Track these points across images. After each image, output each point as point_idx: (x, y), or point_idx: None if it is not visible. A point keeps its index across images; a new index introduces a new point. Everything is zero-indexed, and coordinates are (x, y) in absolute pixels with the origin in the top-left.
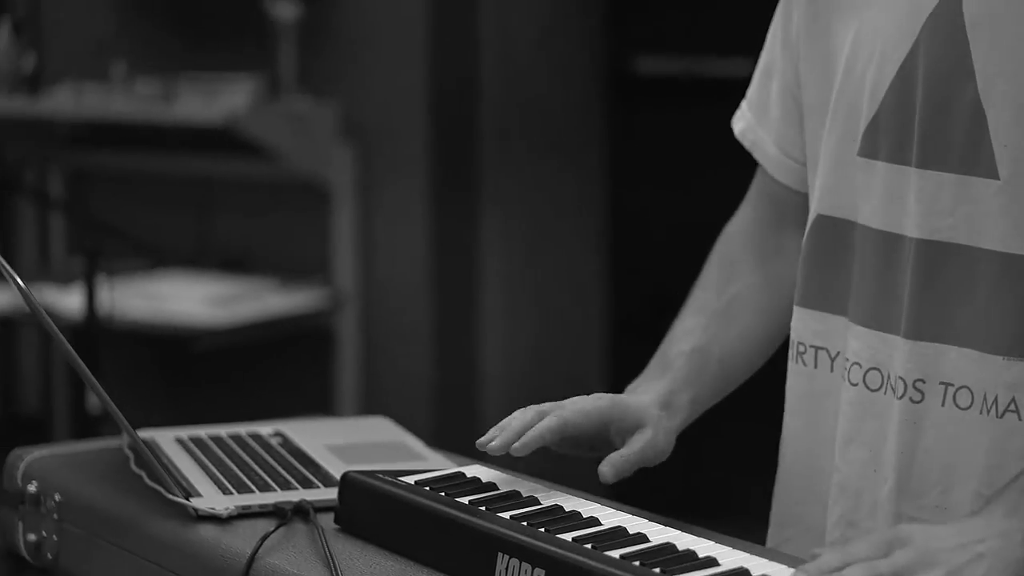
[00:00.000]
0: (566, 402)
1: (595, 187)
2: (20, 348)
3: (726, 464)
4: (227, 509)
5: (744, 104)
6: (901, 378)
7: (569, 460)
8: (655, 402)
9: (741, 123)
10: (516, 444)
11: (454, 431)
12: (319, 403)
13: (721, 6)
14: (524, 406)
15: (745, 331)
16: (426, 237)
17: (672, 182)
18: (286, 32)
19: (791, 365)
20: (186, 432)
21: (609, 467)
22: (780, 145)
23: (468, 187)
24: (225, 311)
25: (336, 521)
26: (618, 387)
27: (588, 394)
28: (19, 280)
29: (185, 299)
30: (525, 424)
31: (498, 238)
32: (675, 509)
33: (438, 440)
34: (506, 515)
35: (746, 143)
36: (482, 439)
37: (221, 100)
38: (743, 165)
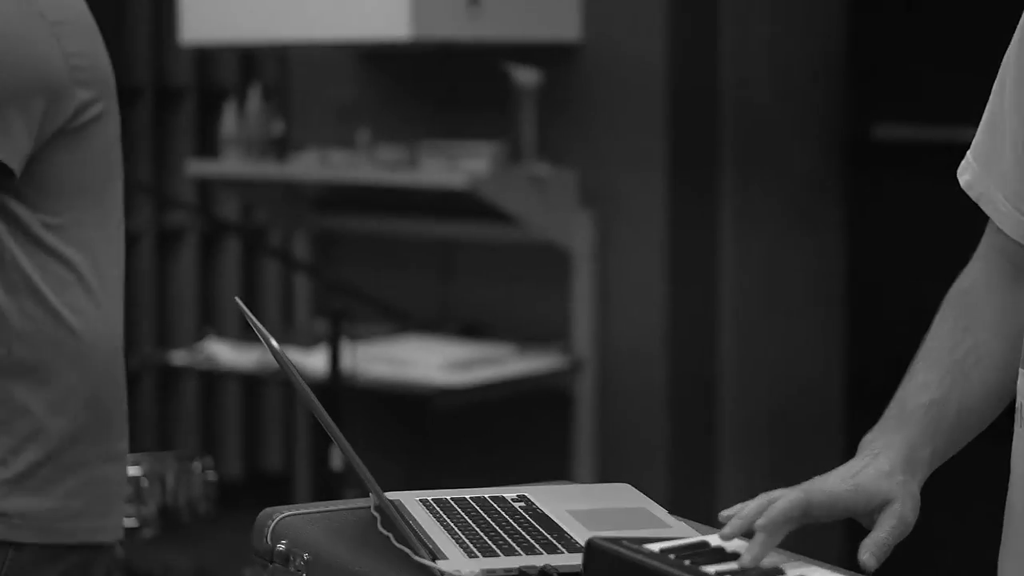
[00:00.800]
0: (810, 486)
1: (834, 250)
2: (264, 407)
3: (948, 536)
4: (472, 572)
5: (969, 155)
6: None
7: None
8: (897, 464)
9: (967, 174)
10: (760, 521)
11: (691, 497)
12: (556, 465)
13: (963, 71)
14: (761, 471)
15: (981, 386)
16: (663, 301)
17: (911, 248)
18: (527, 98)
19: (1017, 430)
20: (431, 494)
21: (869, 555)
22: (1011, 199)
23: (706, 252)
24: (464, 375)
25: None
26: (854, 452)
27: (826, 465)
28: (270, 338)
29: (425, 364)
30: (764, 505)
31: (736, 302)
32: None
33: (675, 506)
34: None
35: (973, 195)
36: (725, 512)
37: (463, 165)
38: (982, 230)
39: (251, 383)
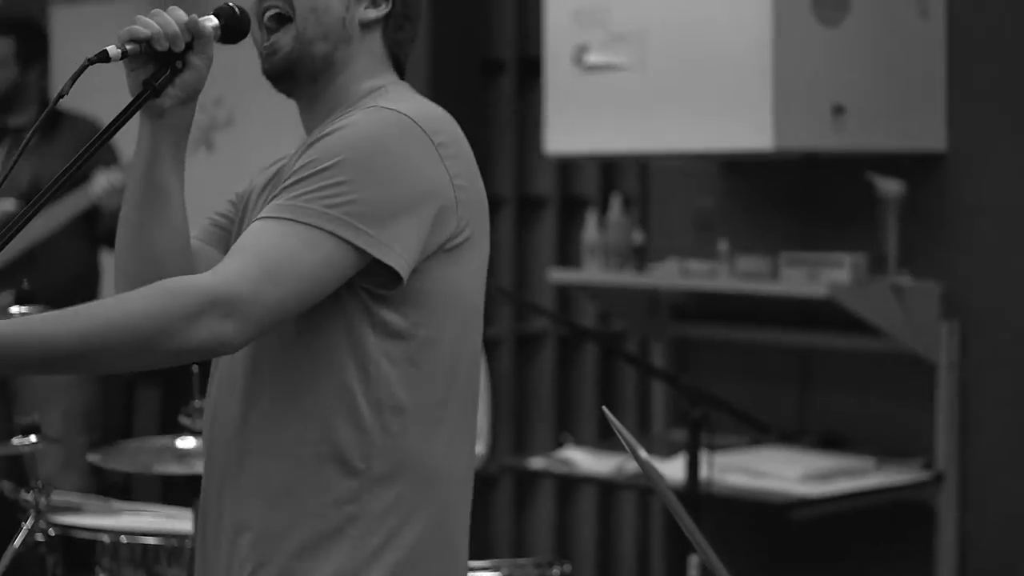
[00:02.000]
0: None
1: None
2: (620, 513)
3: None
4: None
5: None
6: None
7: None
8: None
9: None
10: None
11: None
12: None
13: None
14: None
15: None
16: None
17: None
18: (890, 208)
19: None
20: None
21: None
22: None
23: None
24: (823, 487)
25: None
26: None
27: None
28: (638, 448)
29: (783, 475)
30: None
31: None
32: None
33: None
34: None
35: None
36: None
37: (824, 275)
38: None
39: (607, 489)
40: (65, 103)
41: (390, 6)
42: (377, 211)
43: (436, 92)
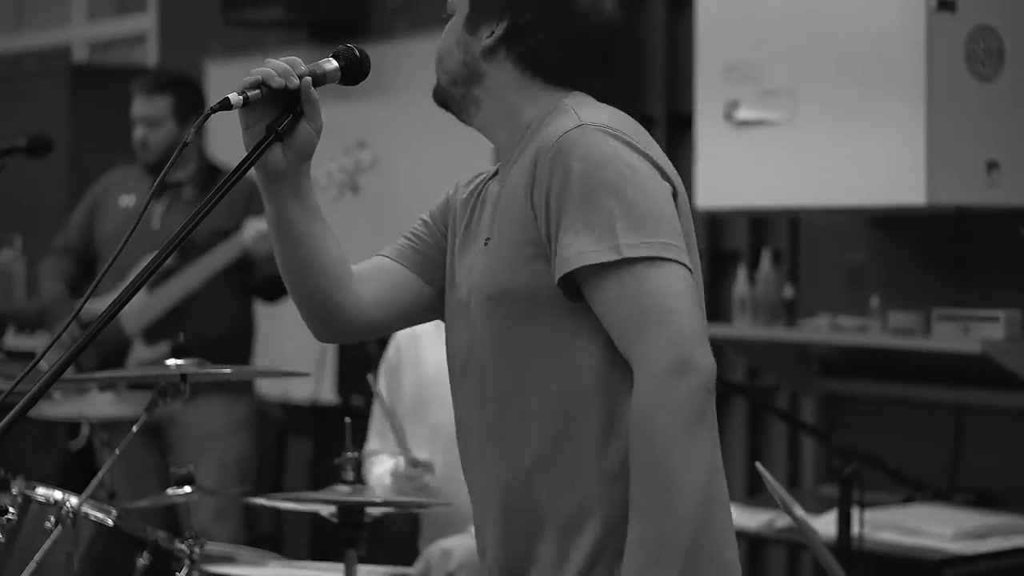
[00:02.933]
0: None
1: None
2: (767, 569)
3: None
4: None
5: None
6: None
7: None
8: None
9: None
10: None
11: None
12: None
13: None
14: None
15: None
16: None
17: None
18: None
19: None
20: None
21: None
22: None
23: None
24: (977, 545)
25: None
26: None
27: None
28: (793, 505)
29: (936, 533)
30: None
31: None
32: None
33: None
34: None
35: None
36: None
37: (977, 331)
38: None
39: (756, 543)
40: (222, 159)
41: (506, 23)
42: (663, 223)
43: None
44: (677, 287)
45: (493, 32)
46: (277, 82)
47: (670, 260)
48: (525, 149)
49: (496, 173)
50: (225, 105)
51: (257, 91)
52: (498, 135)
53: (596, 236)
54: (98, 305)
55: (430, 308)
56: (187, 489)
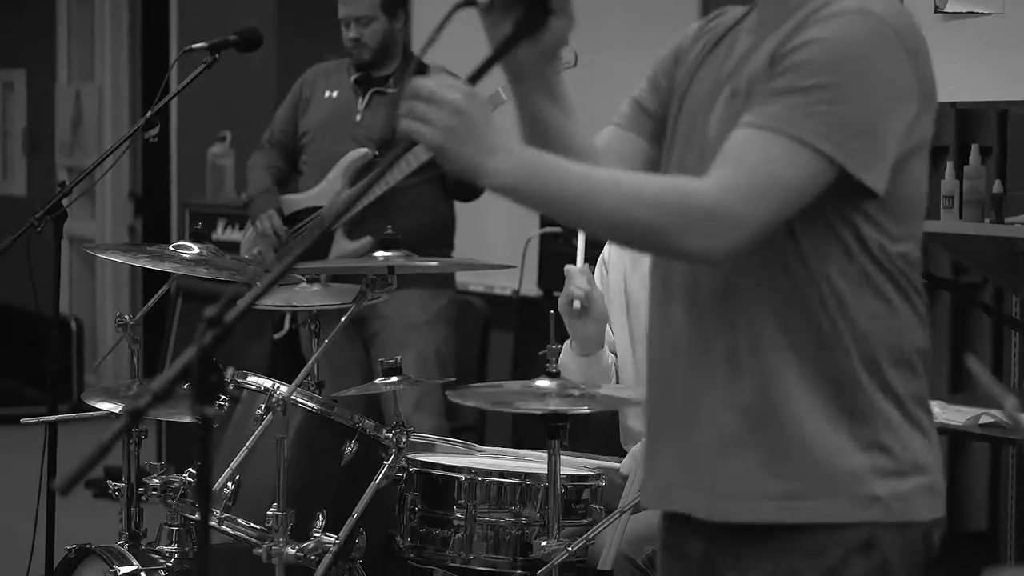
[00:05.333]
0: None
1: None
2: (969, 464)
3: None
4: None
5: None
6: None
7: None
8: None
9: None
10: None
11: None
12: None
13: None
14: None
15: None
16: None
17: None
18: None
19: None
20: None
21: None
22: None
23: None
24: None
25: None
26: None
27: None
28: (1006, 395)
29: None
30: None
31: None
32: None
33: None
34: None
35: None
36: None
37: None
38: None
39: (958, 439)
40: (428, 56)
41: None
42: (859, 126)
43: None
44: (792, 173)
45: None
46: None
47: (819, 152)
48: (797, 9)
49: (742, 19)
50: (469, 2)
51: None
52: None
53: (782, 106)
54: (302, 198)
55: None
56: (394, 379)
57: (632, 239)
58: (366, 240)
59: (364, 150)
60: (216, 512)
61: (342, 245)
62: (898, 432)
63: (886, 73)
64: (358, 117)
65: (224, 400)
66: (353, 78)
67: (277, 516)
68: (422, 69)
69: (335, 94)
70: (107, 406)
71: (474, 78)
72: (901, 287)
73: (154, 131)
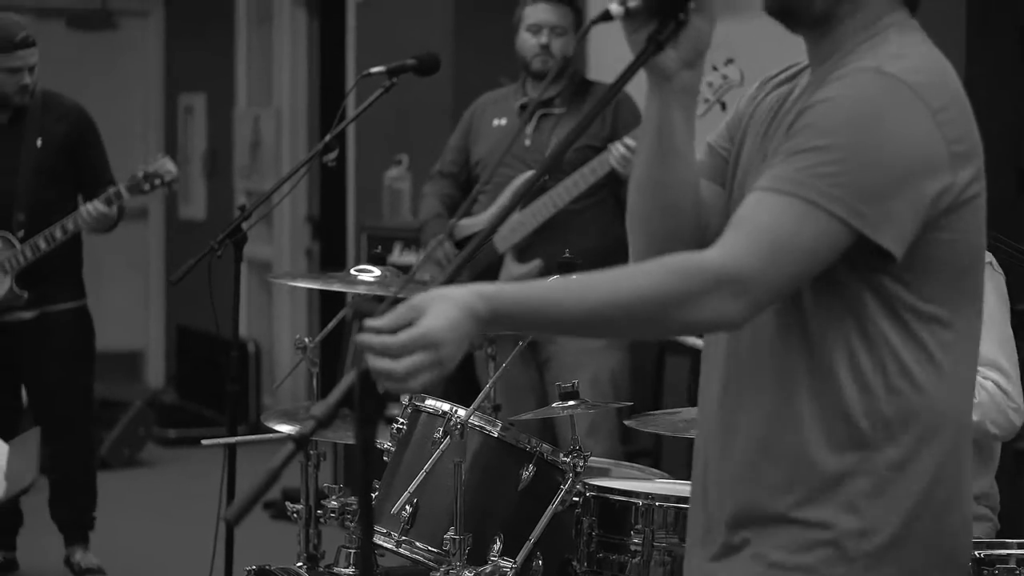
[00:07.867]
0: None
1: None
2: None
3: None
4: None
5: None
6: None
7: None
8: None
9: None
10: None
11: None
12: None
13: None
14: None
15: None
16: None
17: None
18: None
19: None
20: None
21: None
22: None
23: None
24: None
25: None
26: None
27: None
28: None
29: None
30: None
31: None
32: None
33: None
34: None
35: None
36: None
37: None
38: None
39: None
40: (594, 73)
41: None
42: (873, 189)
43: (970, 63)
44: (805, 235)
45: None
46: None
47: (832, 215)
48: (838, 67)
49: (796, 75)
50: (606, 16)
51: (639, 2)
52: (823, 46)
53: (793, 167)
54: (475, 223)
55: None
56: (572, 403)
57: (634, 330)
58: (536, 263)
59: (532, 172)
60: (394, 535)
61: (511, 268)
62: None
63: (900, 132)
64: (527, 141)
65: (402, 424)
66: (519, 103)
67: (454, 540)
68: (584, 87)
69: (503, 122)
70: (286, 428)
71: (618, 85)
72: (928, 349)
73: (333, 155)
